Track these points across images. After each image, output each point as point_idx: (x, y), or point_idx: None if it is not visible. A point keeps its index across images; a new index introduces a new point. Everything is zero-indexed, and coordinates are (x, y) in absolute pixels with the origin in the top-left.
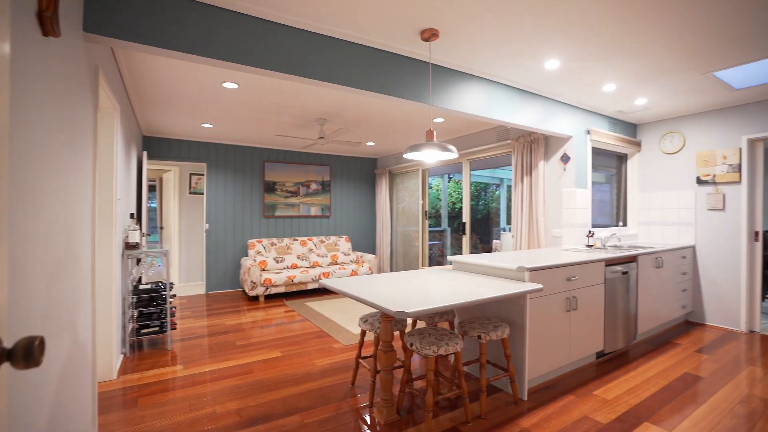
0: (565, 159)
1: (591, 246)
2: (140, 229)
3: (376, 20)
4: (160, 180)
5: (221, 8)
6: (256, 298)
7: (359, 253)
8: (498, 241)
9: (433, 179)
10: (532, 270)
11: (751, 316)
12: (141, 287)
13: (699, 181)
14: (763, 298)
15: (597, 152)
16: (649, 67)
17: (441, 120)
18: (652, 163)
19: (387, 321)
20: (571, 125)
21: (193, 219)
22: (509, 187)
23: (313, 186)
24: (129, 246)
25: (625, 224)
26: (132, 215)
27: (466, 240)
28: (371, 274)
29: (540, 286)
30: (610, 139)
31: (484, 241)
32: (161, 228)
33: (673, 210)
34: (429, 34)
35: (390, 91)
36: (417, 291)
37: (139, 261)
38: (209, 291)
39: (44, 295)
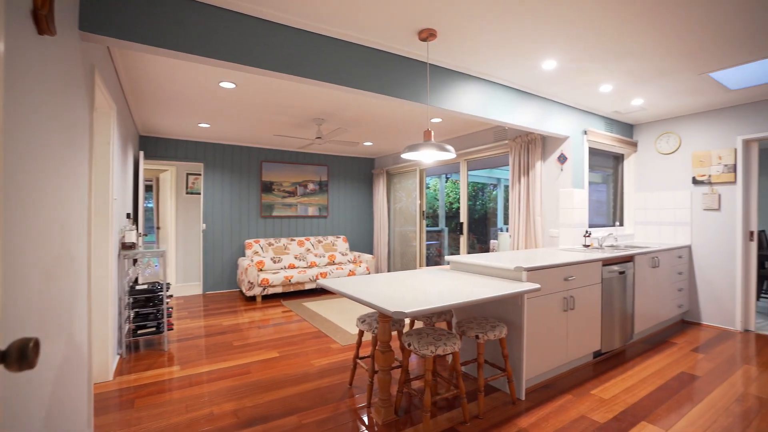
0: (562, 159)
1: (588, 246)
2: (137, 229)
3: (375, 20)
4: (157, 180)
5: (221, 8)
6: (253, 299)
7: (357, 253)
8: (495, 241)
9: (430, 179)
10: (529, 270)
11: (746, 315)
12: (137, 288)
13: (695, 182)
14: (758, 298)
15: (594, 152)
16: (646, 67)
17: (438, 120)
18: (648, 163)
19: (385, 321)
20: (568, 125)
21: (190, 219)
22: (506, 187)
23: (311, 186)
24: (125, 246)
25: (621, 224)
26: (128, 215)
27: (463, 240)
28: (369, 274)
29: (537, 285)
30: (607, 140)
31: (481, 241)
32: (158, 228)
33: (669, 210)
34: (427, 35)
35: (388, 92)
36: (415, 291)
37: (135, 261)
38: (206, 291)
39: (39, 296)
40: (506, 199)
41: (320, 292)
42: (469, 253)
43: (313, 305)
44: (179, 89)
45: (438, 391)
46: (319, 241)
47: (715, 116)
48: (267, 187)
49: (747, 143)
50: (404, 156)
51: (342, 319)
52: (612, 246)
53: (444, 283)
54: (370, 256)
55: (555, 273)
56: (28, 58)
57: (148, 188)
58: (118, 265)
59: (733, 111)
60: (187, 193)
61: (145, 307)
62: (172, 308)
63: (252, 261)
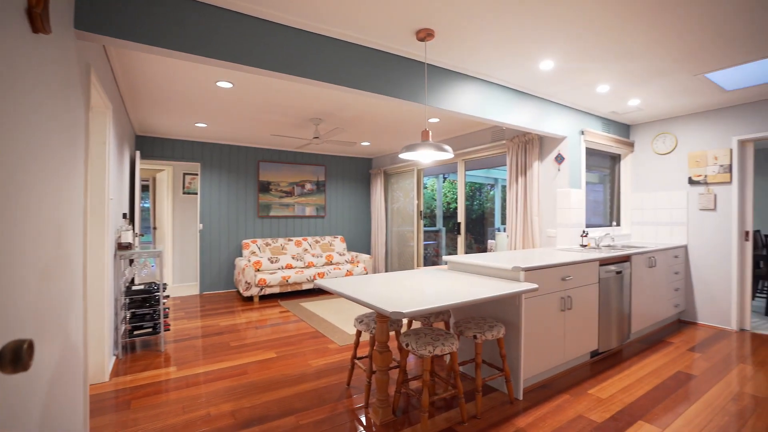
0: (560, 159)
1: (585, 246)
2: (133, 229)
3: (373, 20)
4: (154, 180)
5: (220, 8)
6: (250, 299)
7: (354, 253)
8: (493, 240)
9: (428, 179)
10: (527, 270)
11: (742, 314)
12: (134, 288)
13: (691, 182)
14: (753, 297)
15: (591, 152)
16: (644, 67)
17: (436, 120)
18: (644, 163)
19: (382, 321)
20: (565, 126)
21: (187, 219)
22: (504, 187)
23: (308, 186)
24: (121, 246)
25: (618, 224)
26: (125, 215)
27: (461, 240)
28: (366, 274)
29: (535, 285)
30: (604, 140)
31: (478, 241)
32: (154, 228)
33: (665, 210)
34: (424, 34)
35: (386, 91)
36: (412, 291)
37: (131, 261)
38: (203, 292)
39: (34, 297)
40: (504, 199)
41: (318, 292)
42: (466, 253)
43: (311, 305)
44: (176, 88)
45: (436, 391)
46: (317, 241)
47: (710, 117)
48: (264, 187)
49: (742, 143)
50: (402, 156)
51: (339, 320)
52: (609, 246)
53: (442, 284)
54: (368, 256)
55: (552, 273)
56: (23, 57)
57: (145, 188)
58: (115, 266)
59: (729, 111)
60: (184, 193)
61: (142, 307)
62: (168, 309)
63: (249, 261)
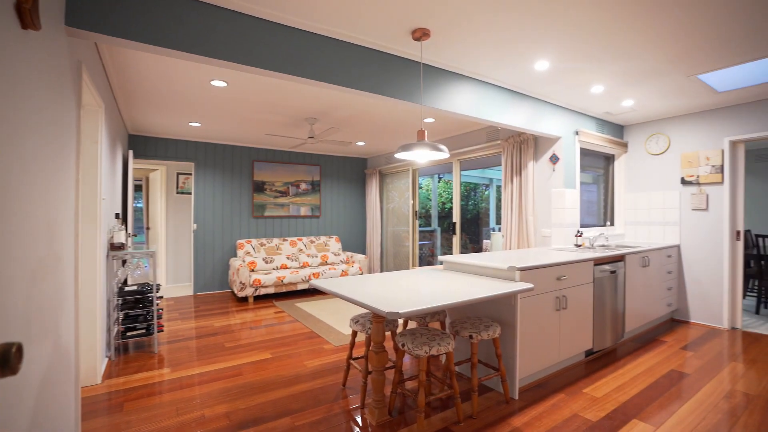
0: (554, 159)
1: (580, 246)
2: (126, 229)
3: (369, 19)
4: (147, 179)
5: (217, 6)
6: (245, 299)
7: (349, 254)
8: (488, 240)
9: (423, 179)
10: (522, 270)
11: (733, 313)
12: (126, 289)
13: (683, 182)
14: (745, 296)
15: (585, 153)
16: (637, 68)
17: (432, 120)
18: (638, 163)
19: (378, 321)
20: (559, 126)
21: (181, 219)
22: (499, 187)
23: (303, 186)
24: (114, 247)
25: (612, 224)
26: (117, 215)
27: (456, 240)
28: (361, 274)
29: (531, 285)
30: (598, 140)
31: (474, 241)
32: (147, 228)
33: (658, 210)
34: (420, 34)
35: (382, 91)
36: (408, 291)
37: (124, 262)
38: (197, 292)
39: (23, 298)
40: (498, 199)
41: (313, 292)
42: (461, 253)
43: (306, 306)
44: (169, 87)
45: (432, 391)
46: (312, 242)
47: (703, 118)
48: (259, 187)
49: (734, 144)
50: (398, 156)
51: (335, 320)
52: (603, 246)
53: (437, 284)
54: (363, 256)
55: (547, 273)
56: (12, 54)
57: (138, 188)
58: (107, 266)
59: (721, 113)
60: (178, 192)
61: (135, 308)
62: (162, 309)
63: (244, 261)
